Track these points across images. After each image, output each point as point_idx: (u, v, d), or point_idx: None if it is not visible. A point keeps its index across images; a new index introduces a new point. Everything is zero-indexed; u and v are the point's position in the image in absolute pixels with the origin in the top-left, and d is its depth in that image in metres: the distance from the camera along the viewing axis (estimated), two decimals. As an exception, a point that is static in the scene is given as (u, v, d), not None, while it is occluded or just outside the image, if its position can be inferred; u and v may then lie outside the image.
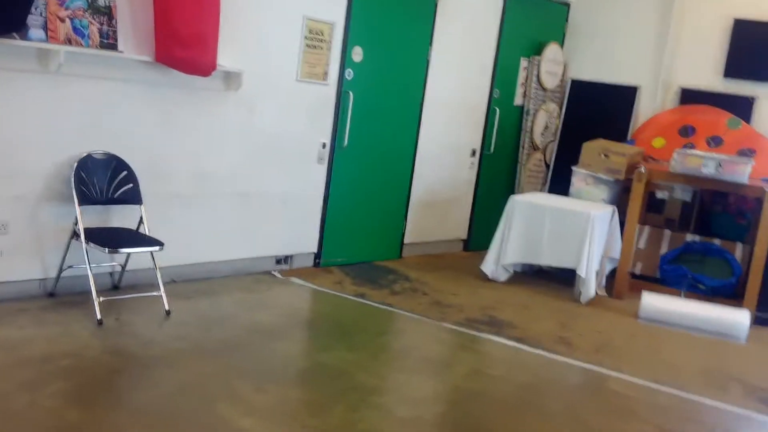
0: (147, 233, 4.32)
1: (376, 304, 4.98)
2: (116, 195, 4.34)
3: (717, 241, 5.99)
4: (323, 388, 3.56)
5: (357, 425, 3.23)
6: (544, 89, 7.17)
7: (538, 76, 7.06)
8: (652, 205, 6.42)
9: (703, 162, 5.64)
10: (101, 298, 4.02)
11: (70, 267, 4.18)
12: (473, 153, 6.76)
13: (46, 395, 3.12)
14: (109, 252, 4.01)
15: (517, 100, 7.04)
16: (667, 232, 6.23)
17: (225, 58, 4.64)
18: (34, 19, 3.83)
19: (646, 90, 7.03)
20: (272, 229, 5.31)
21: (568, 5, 7.30)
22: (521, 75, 6.99)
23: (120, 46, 4.21)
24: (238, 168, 5.00)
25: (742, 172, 5.52)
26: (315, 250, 5.66)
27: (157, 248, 4.18)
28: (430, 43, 6.07)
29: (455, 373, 4.00)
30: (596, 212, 5.64)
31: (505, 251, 5.84)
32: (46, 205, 4.13)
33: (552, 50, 7.13)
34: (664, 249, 6.16)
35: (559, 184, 6.80)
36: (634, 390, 4.04)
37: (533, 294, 5.74)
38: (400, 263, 6.18)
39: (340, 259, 5.81)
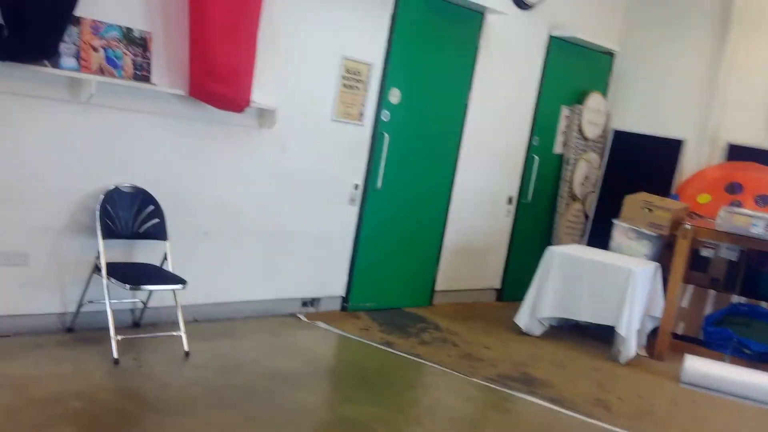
0: (171, 270, 4.19)
1: (404, 354, 4.77)
2: (141, 230, 4.23)
3: (765, 304, 5.70)
4: (344, 445, 3.36)
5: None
6: (585, 139, 6.98)
7: (579, 125, 6.88)
8: (697, 263, 6.13)
9: (751, 221, 5.38)
10: (120, 336, 3.87)
11: (90, 302, 4.06)
12: (510, 200, 6.58)
13: (52, 439, 2.96)
14: (131, 289, 3.89)
15: (557, 149, 6.86)
16: (712, 292, 5.95)
17: (259, 95, 4.55)
18: (66, 47, 3.77)
19: (692, 144, 6.80)
20: (299, 270, 5.16)
21: (612, 54, 7.14)
22: (562, 123, 6.83)
23: (153, 79, 4.13)
24: (268, 206, 4.88)
25: (794, 234, 5.26)
26: (343, 293, 5.49)
27: (179, 286, 4.04)
28: (470, 87, 5.95)
29: (485, 435, 3.77)
30: (638, 268, 5.40)
31: (541, 304, 5.61)
32: (69, 236, 4.03)
33: (595, 100, 6.96)
34: (708, 309, 5.88)
35: (599, 237, 6.55)
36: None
37: (569, 351, 5.48)
38: (430, 311, 5.97)
39: (368, 303, 5.62)
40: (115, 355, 3.81)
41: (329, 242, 5.29)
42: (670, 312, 5.64)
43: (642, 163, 6.93)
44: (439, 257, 6.09)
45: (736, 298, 5.83)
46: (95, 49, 3.90)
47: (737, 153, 6.56)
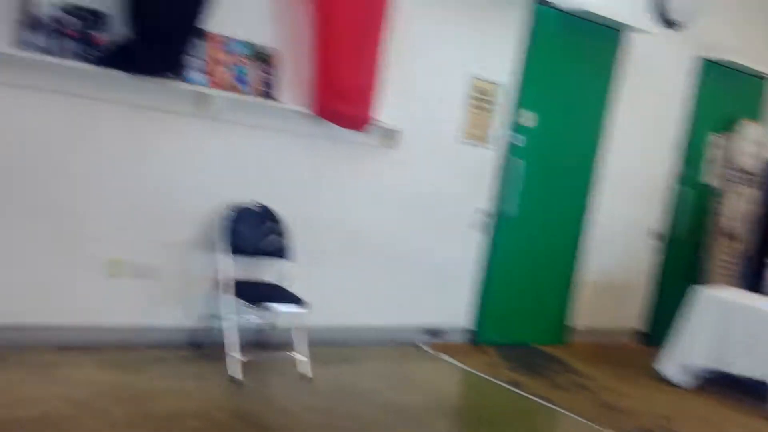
0: (292, 290, 4.09)
1: (532, 397, 4.41)
2: (266, 248, 4.18)
3: None
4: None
5: None
6: (738, 170, 6.41)
7: (731, 156, 6.33)
8: None
9: None
10: (240, 355, 3.81)
11: (214, 318, 4.02)
12: (654, 235, 6.10)
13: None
14: (255, 308, 3.85)
15: (706, 180, 6.32)
16: None
17: (383, 114, 4.44)
18: (194, 62, 3.81)
19: None
20: (422, 297, 4.95)
21: (764, 79, 6.54)
22: (712, 153, 6.29)
23: (278, 96, 4.11)
24: (392, 229, 4.73)
25: None
26: (469, 325, 5.22)
27: (303, 309, 3.95)
28: (608, 110, 5.58)
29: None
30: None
31: (688, 352, 5.09)
32: (196, 252, 4.04)
33: (751, 128, 6.40)
34: None
35: (756, 280, 5.95)
36: None
37: (719, 405, 4.91)
38: (565, 350, 5.56)
39: (496, 337, 5.31)
40: (235, 373, 3.75)
41: (456, 270, 5.07)
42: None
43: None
44: (573, 292, 5.70)
45: None
46: (222, 65, 3.91)
47: None
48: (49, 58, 3.42)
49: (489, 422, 4.00)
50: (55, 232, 3.66)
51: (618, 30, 5.44)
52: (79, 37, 3.52)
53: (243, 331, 4.01)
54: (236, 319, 3.88)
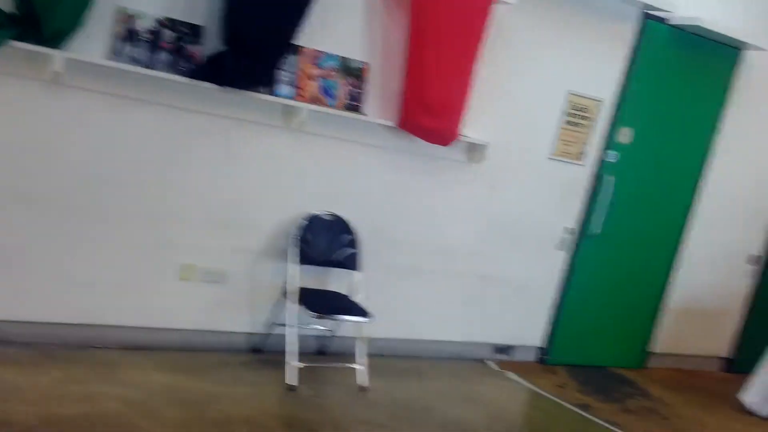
0: (360, 301, 4.14)
1: (601, 422, 4.29)
2: (335, 258, 4.23)
3: None
4: None
5: None
6: None
7: None
8: None
9: None
10: (299, 363, 3.88)
11: (277, 325, 4.12)
12: (753, 260, 5.73)
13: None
14: (318, 317, 3.90)
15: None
16: None
17: (470, 129, 4.38)
18: (284, 76, 3.87)
19: None
20: (495, 314, 4.88)
21: None
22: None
23: (364, 109, 4.13)
24: (469, 246, 4.68)
25: None
26: (540, 343, 5.12)
27: (366, 320, 4.00)
28: (716, 131, 5.27)
29: None
30: None
31: (775, 384, 4.79)
32: (265, 259, 4.13)
33: None
34: None
35: None
36: None
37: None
38: (641, 374, 5.36)
39: (568, 358, 5.18)
40: (292, 381, 3.83)
41: (531, 288, 4.96)
42: None
43: None
44: (658, 315, 5.46)
45: None
46: (312, 79, 3.97)
47: None
48: (143, 70, 3.52)
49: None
50: (137, 236, 3.79)
51: (735, 48, 5.11)
52: (172, 50, 3.63)
53: (304, 340, 4.09)
54: (298, 327, 3.95)
